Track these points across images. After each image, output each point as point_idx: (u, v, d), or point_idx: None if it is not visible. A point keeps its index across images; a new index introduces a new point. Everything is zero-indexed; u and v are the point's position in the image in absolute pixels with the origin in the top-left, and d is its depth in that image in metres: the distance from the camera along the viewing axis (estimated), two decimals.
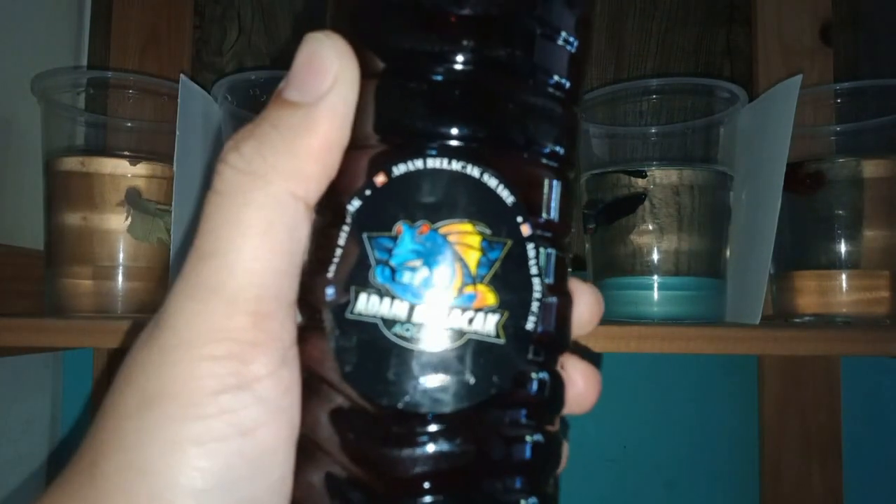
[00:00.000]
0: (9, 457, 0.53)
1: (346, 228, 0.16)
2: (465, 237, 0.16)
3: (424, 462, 0.16)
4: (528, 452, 0.17)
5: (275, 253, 0.16)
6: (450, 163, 0.16)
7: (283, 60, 0.63)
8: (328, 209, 0.17)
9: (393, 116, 0.16)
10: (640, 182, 0.44)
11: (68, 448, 0.58)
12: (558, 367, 0.19)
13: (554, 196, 0.17)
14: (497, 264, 0.16)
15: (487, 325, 0.16)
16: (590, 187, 0.48)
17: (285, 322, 0.17)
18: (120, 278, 0.44)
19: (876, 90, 0.48)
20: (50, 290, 0.45)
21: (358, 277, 0.16)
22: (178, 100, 0.42)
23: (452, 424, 0.16)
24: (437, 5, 0.16)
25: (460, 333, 0.16)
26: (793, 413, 0.57)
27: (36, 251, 0.48)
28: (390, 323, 0.16)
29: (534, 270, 0.17)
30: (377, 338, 0.16)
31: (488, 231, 0.16)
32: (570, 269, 0.19)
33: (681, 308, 0.43)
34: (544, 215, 0.17)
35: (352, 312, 0.16)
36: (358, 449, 0.16)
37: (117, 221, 0.44)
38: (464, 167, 0.16)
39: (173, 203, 0.41)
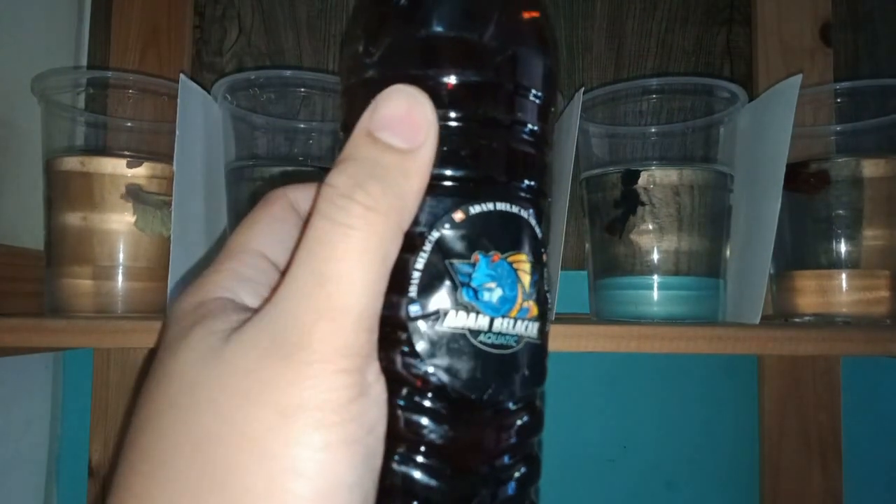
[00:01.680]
0: (9, 457, 0.53)
1: (423, 255, 0.20)
2: (522, 265, 0.21)
3: (500, 438, 0.20)
4: (534, 419, 0.22)
5: (385, 278, 0.19)
6: (511, 206, 0.20)
7: (283, 60, 0.63)
8: (406, 238, 0.20)
9: (469, 166, 0.20)
10: (640, 180, 0.44)
11: (68, 448, 0.58)
12: None
13: (548, 228, 0.23)
14: (537, 286, 0.21)
15: (533, 330, 0.21)
16: (590, 187, 0.48)
17: (377, 334, 0.19)
18: (120, 278, 0.44)
19: (876, 90, 0.48)
20: (50, 290, 0.45)
21: (446, 296, 0.20)
22: (178, 100, 0.42)
23: (517, 408, 0.21)
24: (499, 82, 0.21)
25: (521, 338, 0.20)
26: (793, 413, 0.57)
27: (36, 251, 0.48)
28: (476, 333, 0.20)
29: (547, 287, 0.22)
30: (466, 345, 0.20)
31: (532, 259, 0.21)
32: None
33: (681, 308, 0.43)
34: (546, 244, 0.22)
35: (442, 325, 0.19)
36: (451, 435, 0.20)
37: (117, 221, 0.44)
38: (520, 210, 0.21)
39: (173, 203, 0.41)
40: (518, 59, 0.21)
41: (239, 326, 0.19)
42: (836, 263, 0.45)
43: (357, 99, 0.21)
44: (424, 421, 0.20)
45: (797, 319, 0.46)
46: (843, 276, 0.45)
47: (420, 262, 0.20)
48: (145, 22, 0.60)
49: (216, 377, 0.18)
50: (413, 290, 0.19)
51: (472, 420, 0.20)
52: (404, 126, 0.19)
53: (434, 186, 0.20)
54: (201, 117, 0.46)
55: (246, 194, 0.45)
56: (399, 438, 0.20)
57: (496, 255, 0.20)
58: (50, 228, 0.45)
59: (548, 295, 0.22)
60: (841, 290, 0.45)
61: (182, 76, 0.43)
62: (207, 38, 0.63)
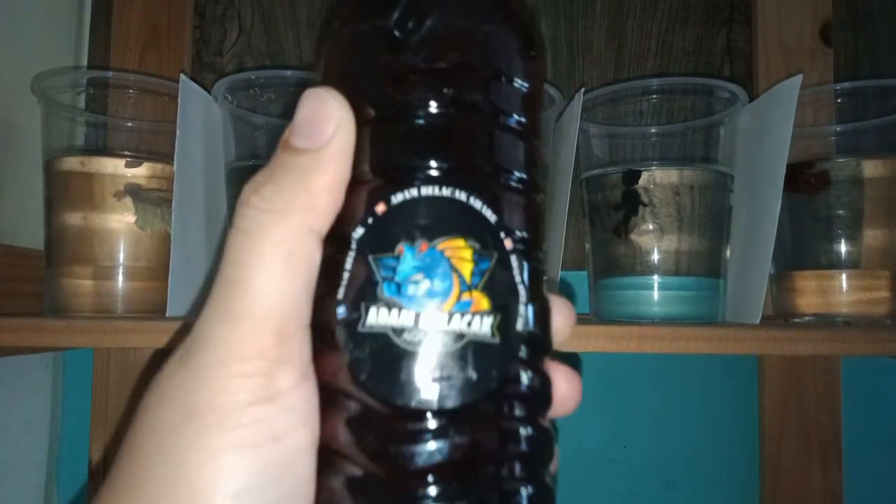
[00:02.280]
0: (9, 457, 0.53)
1: (351, 254, 0.19)
2: (458, 251, 0.18)
3: (436, 454, 0.18)
4: (524, 444, 0.19)
5: (294, 279, 0.18)
6: (440, 189, 0.18)
7: (283, 60, 0.63)
8: (334, 239, 0.19)
9: (388, 155, 0.19)
10: (640, 181, 0.44)
11: (68, 448, 0.58)
12: (544, 368, 0.21)
13: (527, 215, 0.20)
14: (487, 274, 0.18)
15: (484, 327, 0.18)
16: (590, 187, 0.48)
17: (303, 342, 0.19)
18: (120, 278, 0.44)
19: (876, 90, 0.48)
20: (50, 289, 0.45)
21: (367, 294, 0.18)
22: (179, 100, 0.42)
23: (460, 418, 0.18)
24: (412, 64, 0.19)
25: (461, 336, 0.18)
26: (793, 413, 0.57)
27: (36, 251, 0.48)
28: (399, 331, 0.18)
29: (518, 279, 0.19)
30: (388, 345, 0.18)
31: (478, 245, 0.18)
32: (545, 279, 0.21)
33: (681, 308, 0.43)
34: (519, 232, 0.19)
35: (363, 325, 0.18)
36: (376, 447, 0.18)
37: (117, 221, 0.44)
38: (452, 192, 0.18)
39: (174, 203, 0.41)
40: (425, 40, 0.19)
41: None
42: (836, 264, 0.45)
43: None
44: (355, 432, 0.18)
45: (797, 319, 0.46)
46: (844, 276, 0.45)
47: (348, 262, 0.19)
48: (145, 22, 0.60)
49: (150, 391, 0.19)
50: (340, 292, 0.18)
51: (409, 433, 0.18)
52: (309, 127, 0.19)
53: (359, 183, 0.19)
54: (201, 117, 0.46)
55: None
56: (332, 451, 0.18)
57: (423, 244, 0.18)
58: (50, 228, 0.45)
59: (523, 288, 0.19)
60: (841, 291, 0.45)
61: (182, 76, 0.43)
62: (207, 39, 0.63)
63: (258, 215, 0.19)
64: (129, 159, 0.45)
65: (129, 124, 0.48)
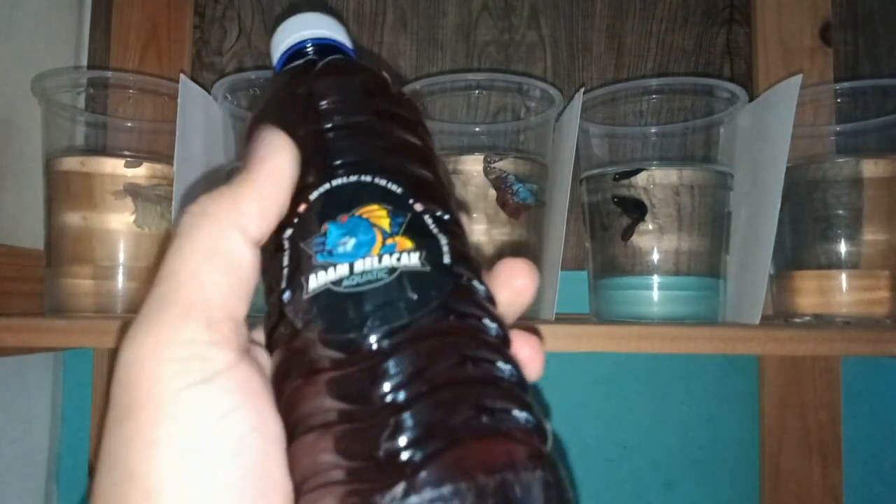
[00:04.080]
0: (9, 457, 0.53)
1: (286, 251, 0.21)
2: (375, 213, 0.21)
3: (406, 375, 0.19)
4: (488, 365, 0.20)
5: (218, 272, 0.20)
6: (348, 177, 0.22)
7: None
8: (271, 246, 0.22)
9: (305, 165, 0.22)
10: (639, 181, 0.44)
11: (68, 448, 0.58)
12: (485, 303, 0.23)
13: (428, 188, 0.23)
14: (405, 226, 0.21)
15: (413, 259, 0.21)
16: (590, 187, 0.48)
17: (237, 329, 0.20)
18: (120, 278, 0.44)
19: (875, 90, 0.48)
20: (50, 289, 0.45)
21: (304, 269, 0.20)
22: (179, 100, 0.42)
23: (414, 334, 0.19)
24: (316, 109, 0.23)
25: (393, 269, 0.20)
26: (793, 413, 0.57)
27: (36, 251, 0.48)
28: (338, 282, 0.20)
29: (435, 230, 0.22)
30: (331, 296, 0.20)
31: (391, 208, 0.21)
32: (468, 245, 0.23)
33: (681, 308, 0.43)
34: (426, 201, 0.22)
35: (307, 293, 0.20)
36: (348, 389, 0.19)
37: (117, 221, 0.44)
38: (359, 177, 0.22)
39: (173, 204, 0.41)
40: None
41: None
42: (836, 264, 0.45)
43: None
44: (315, 386, 0.19)
45: (797, 319, 0.46)
46: (843, 276, 0.45)
47: (285, 258, 0.21)
48: (145, 22, 0.60)
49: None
50: (283, 282, 0.21)
51: (362, 359, 0.19)
52: (251, 150, 0.22)
53: (292, 199, 0.22)
54: (201, 117, 0.46)
55: None
56: (306, 417, 0.19)
57: (343, 217, 0.21)
58: (50, 228, 0.45)
59: (441, 234, 0.22)
60: (841, 291, 0.45)
61: (182, 76, 0.43)
62: (207, 39, 0.63)
63: (191, 219, 0.21)
64: (128, 159, 0.45)
65: (129, 124, 0.48)
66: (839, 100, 0.49)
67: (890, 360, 0.56)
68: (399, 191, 0.22)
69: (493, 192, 0.44)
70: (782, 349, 0.38)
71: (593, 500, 0.59)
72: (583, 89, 0.45)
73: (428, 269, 0.21)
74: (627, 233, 0.44)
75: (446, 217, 0.23)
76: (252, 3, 0.63)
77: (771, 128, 0.43)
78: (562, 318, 0.42)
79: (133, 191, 0.44)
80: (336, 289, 0.20)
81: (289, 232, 0.21)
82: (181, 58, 0.60)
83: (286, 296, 0.20)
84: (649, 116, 0.47)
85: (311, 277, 0.20)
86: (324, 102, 0.24)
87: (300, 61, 0.26)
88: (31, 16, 0.54)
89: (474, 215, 0.44)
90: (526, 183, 0.44)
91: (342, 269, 0.20)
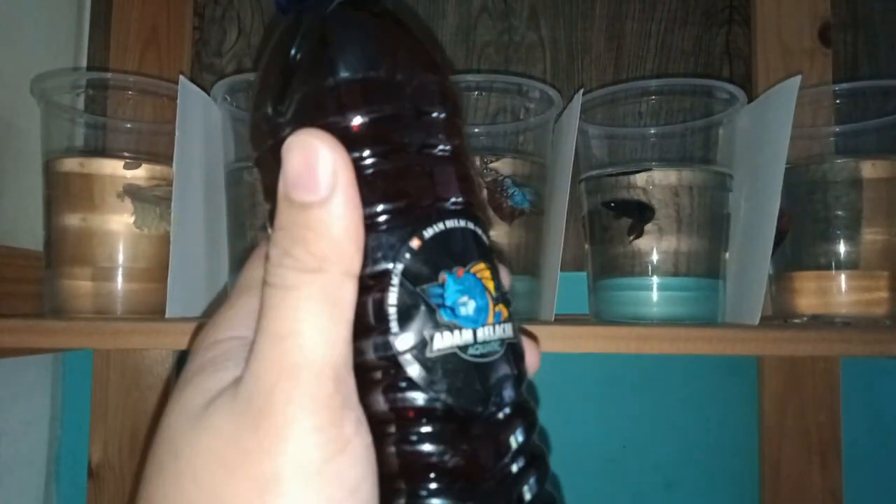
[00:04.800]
0: (8, 457, 0.53)
1: (394, 289, 0.20)
2: (484, 272, 0.21)
3: (509, 442, 0.21)
4: (532, 415, 0.22)
5: (341, 325, 0.19)
6: (458, 222, 0.21)
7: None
8: (369, 279, 0.20)
9: (411, 192, 0.21)
10: (639, 182, 0.44)
11: (67, 449, 0.58)
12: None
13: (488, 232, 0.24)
14: (500, 288, 0.22)
15: (510, 330, 0.22)
16: (589, 188, 0.48)
17: (352, 383, 0.19)
18: (119, 279, 0.44)
19: (875, 91, 0.48)
20: (49, 291, 0.45)
21: (427, 322, 0.20)
22: (178, 101, 0.42)
23: (517, 409, 0.21)
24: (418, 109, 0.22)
25: (503, 341, 0.21)
26: (792, 413, 0.58)
27: (36, 252, 0.48)
28: (464, 348, 0.20)
29: (506, 288, 0.23)
30: (459, 363, 0.20)
31: (490, 266, 0.22)
32: None
33: (680, 309, 0.43)
34: (495, 249, 0.23)
35: (432, 350, 0.20)
36: (463, 453, 0.20)
37: (117, 222, 0.44)
38: (466, 223, 0.21)
39: (173, 205, 0.41)
40: (419, 87, 0.21)
41: (222, 390, 0.19)
42: (835, 264, 0.45)
43: (274, 163, 0.20)
44: (433, 449, 0.19)
45: (796, 320, 0.46)
46: (843, 276, 0.45)
47: (393, 297, 0.20)
48: (145, 23, 0.60)
49: (197, 445, 0.18)
50: (395, 326, 0.20)
51: (483, 432, 0.20)
52: (308, 178, 0.19)
53: (383, 221, 0.20)
54: (201, 119, 0.46)
55: (245, 195, 0.45)
56: (404, 480, 0.19)
57: (460, 270, 0.21)
58: (49, 229, 0.45)
59: (508, 294, 0.23)
60: (840, 291, 0.45)
61: (182, 77, 0.43)
62: (207, 39, 0.63)
63: (294, 274, 0.19)
64: (128, 160, 0.45)
65: (129, 125, 0.48)
66: (838, 101, 0.49)
67: (889, 360, 0.56)
68: (488, 243, 0.22)
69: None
70: (782, 350, 0.38)
71: (593, 500, 0.59)
72: (582, 90, 0.45)
73: (516, 340, 0.22)
74: (634, 230, 0.44)
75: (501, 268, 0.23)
76: (252, 3, 0.63)
77: (770, 129, 0.43)
78: (561, 319, 0.42)
79: (132, 192, 0.44)
80: (463, 356, 0.20)
81: (399, 268, 0.20)
82: (181, 59, 0.60)
83: (399, 343, 0.20)
84: (648, 117, 0.47)
85: (438, 337, 0.20)
86: (406, 104, 0.21)
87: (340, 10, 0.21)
88: (30, 17, 0.54)
89: None
90: (524, 187, 0.44)
91: (467, 336, 0.20)
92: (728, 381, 0.60)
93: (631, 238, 0.44)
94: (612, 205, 0.45)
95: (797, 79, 0.41)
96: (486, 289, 0.21)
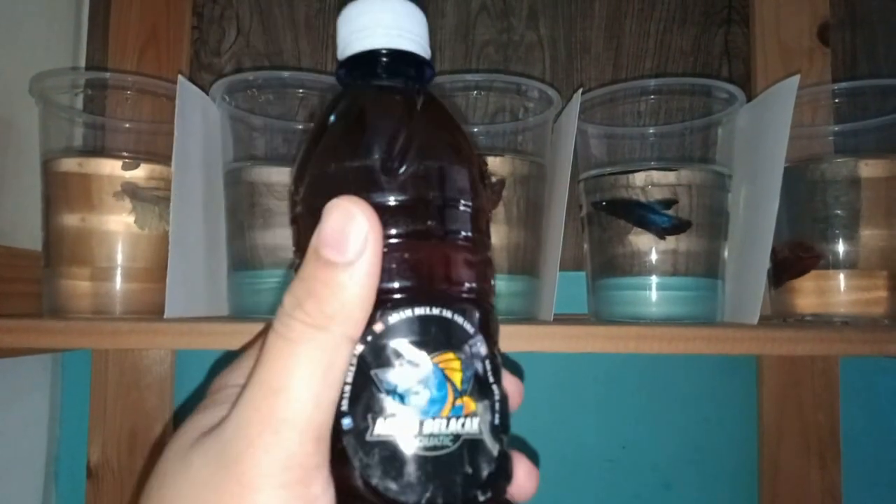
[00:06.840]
0: (8, 457, 0.53)
1: (352, 368, 0.20)
2: (450, 363, 0.21)
3: None
4: None
5: (332, 388, 0.20)
6: (430, 309, 0.21)
7: (281, 61, 0.63)
8: None
9: (384, 279, 0.21)
10: (638, 181, 0.44)
11: (66, 449, 0.58)
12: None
13: (492, 322, 0.22)
14: (472, 380, 0.21)
15: (473, 426, 0.21)
16: (588, 188, 0.48)
17: (328, 444, 0.20)
18: (118, 279, 0.44)
19: (874, 90, 0.48)
20: (48, 291, 0.45)
21: (372, 406, 0.20)
22: (177, 101, 0.42)
23: None
24: (404, 202, 0.21)
25: (458, 436, 0.20)
26: (792, 413, 0.58)
27: (35, 252, 0.48)
28: (406, 438, 0.20)
29: (491, 380, 0.22)
30: (396, 451, 0.20)
31: (463, 356, 0.21)
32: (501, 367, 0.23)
33: (679, 308, 0.43)
34: (489, 338, 0.22)
35: (371, 435, 0.20)
36: None
37: (115, 222, 0.44)
38: (441, 311, 0.21)
39: (171, 205, 0.41)
40: (451, 179, 0.22)
41: (211, 428, 0.20)
42: (834, 264, 0.45)
43: (312, 220, 0.21)
44: None
45: (795, 320, 0.46)
46: (842, 276, 0.45)
47: (350, 376, 0.20)
48: (144, 23, 0.60)
49: (179, 479, 0.19)
50: (345, 404, 0.20)
51: None
52: (340, 240, 0.20)
53: None
54: (200, 118, 0.45)
55: (244, 195, 0.45)
56: None
57: (423, 359, 0.20)
58: (48, 229, 0.45)
59: (495, 386, 0.22)
60: (839, 291, 0.45)
61: (180, 77, 0.43)
62: (206, 39, 0.63)
63: (301, 327, 0.19)
64: (126, 160, 0.45)
65: (127, 125, 0.48)
66: (837, 100, 0.49)
67: (888, 359, 0.56)
68: (472, 331, 0.21)
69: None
70: (781, 349, 0.38)
71: (592, 500, 0.59)
72: (581, 90, 0.45)
73: (482, 437, 0.21)
74: (669, 231, 0.43)
75: (498, 351, 0.23)
76: (250, 3, 0.63)
77: (769, 128, 0.43)
78: (560, 319, 0.42)
79: (131, 192, 0.44)
80: (401, 446, 0.20)
81: (359, 349, 0.20)
82: (179, 58, 0.60)
83: (346, 422, 0.20)
84: (647, 117, 0.47)
85: (380, 421, 0.20)
86: (413, 194, 0.21)
87: (389, 92, 0.23)
88: (30, 16, 0.54)
89: None
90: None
91: (412, 425, 0.20)
92: (727, 381, 0.60)
93: (661, 237, 0.44)
94: (603, 204, 0.45)
95: (796, 78, 0.41)
96: (447, 380, 0.20)
